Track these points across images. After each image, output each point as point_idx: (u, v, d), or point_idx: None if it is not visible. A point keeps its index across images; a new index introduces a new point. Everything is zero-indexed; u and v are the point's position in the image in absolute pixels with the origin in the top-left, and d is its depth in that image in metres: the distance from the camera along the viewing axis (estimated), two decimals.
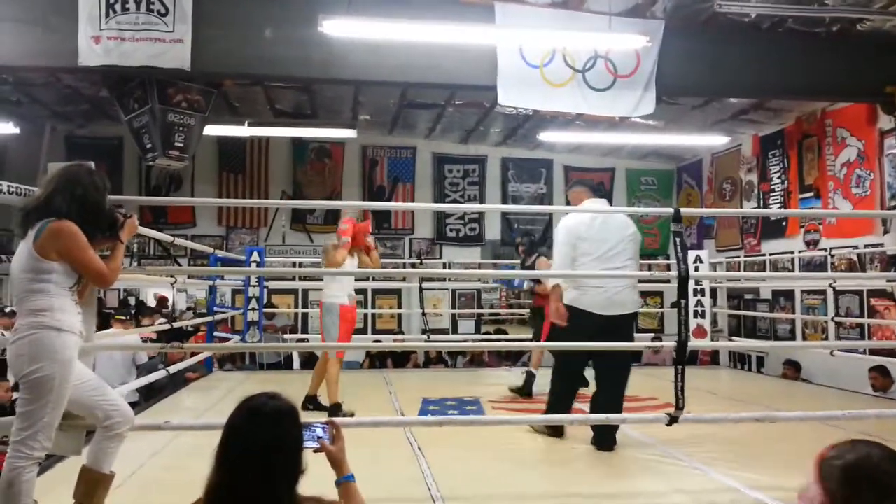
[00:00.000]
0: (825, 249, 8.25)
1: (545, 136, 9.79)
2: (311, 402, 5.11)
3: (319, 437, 2.03)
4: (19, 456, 2.38)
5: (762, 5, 6.04)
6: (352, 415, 4.56)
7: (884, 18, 6.16)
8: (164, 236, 5.11)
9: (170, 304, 10.23)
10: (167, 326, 6.17)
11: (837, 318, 7.65)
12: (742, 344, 9.10)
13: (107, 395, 2.68)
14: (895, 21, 6.20)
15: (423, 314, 9.10)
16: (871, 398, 6.17)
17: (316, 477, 1.78)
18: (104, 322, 6.84)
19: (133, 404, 5.60)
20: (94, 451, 2.62)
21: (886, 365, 6.45)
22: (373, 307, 10.91)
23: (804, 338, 8.63)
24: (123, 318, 6.78)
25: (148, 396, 6.07)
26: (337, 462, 2.03)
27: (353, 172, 11.29)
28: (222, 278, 8.28)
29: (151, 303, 10.58)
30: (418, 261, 10.21)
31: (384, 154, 11.36)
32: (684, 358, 3.37)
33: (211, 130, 8.20)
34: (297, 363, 8.87)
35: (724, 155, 10.53)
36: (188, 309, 10.55)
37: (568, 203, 4.93)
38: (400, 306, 11.14)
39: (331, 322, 4.85)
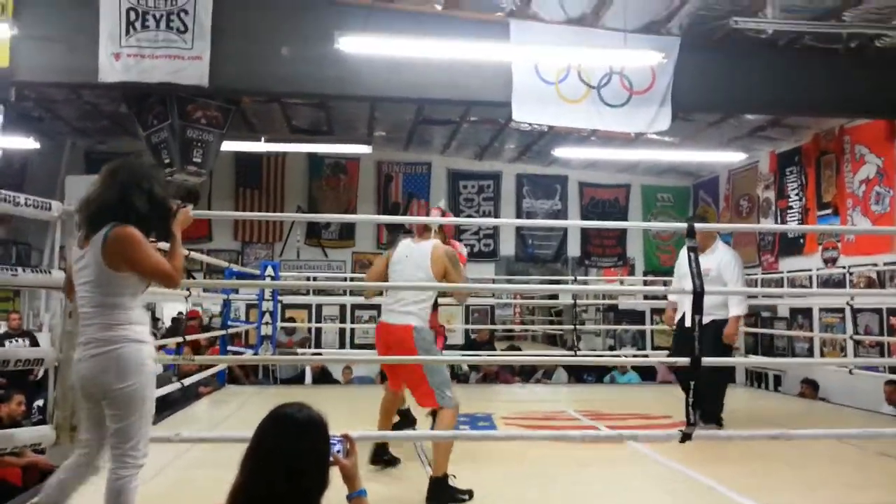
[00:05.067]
0: (843, 267, 8.15)
1: (560, 152, 9.78)
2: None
3: (335, 451, 2.02)
4: (124, 466, 2.37)
5: (779, 22, 6.01)
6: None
7: None
8: None
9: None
10: (180, 339, 6.20)
11: (856, 337, 7.53)
12: (757, 361, 8.97)
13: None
14: None
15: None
16: (891, 417, 6.06)
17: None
18: None
19: None
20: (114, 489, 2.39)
21: None
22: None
23: (822, 357, 8.51)
24: None
25: (160, 409, 6.08)
26: (350, 476, 2.01)
27: (368, 188, 11.35)
28: (237, 292, 8.33)
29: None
30: None
31: (399, 170, 11.41)
32: (697, 374, 3.34)
33: (228, 146, 8.29)
34: (308, 378, 8.87)
35: (740, 172, 10.47)
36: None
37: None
38: None
39: (434, 350, 3.69)
